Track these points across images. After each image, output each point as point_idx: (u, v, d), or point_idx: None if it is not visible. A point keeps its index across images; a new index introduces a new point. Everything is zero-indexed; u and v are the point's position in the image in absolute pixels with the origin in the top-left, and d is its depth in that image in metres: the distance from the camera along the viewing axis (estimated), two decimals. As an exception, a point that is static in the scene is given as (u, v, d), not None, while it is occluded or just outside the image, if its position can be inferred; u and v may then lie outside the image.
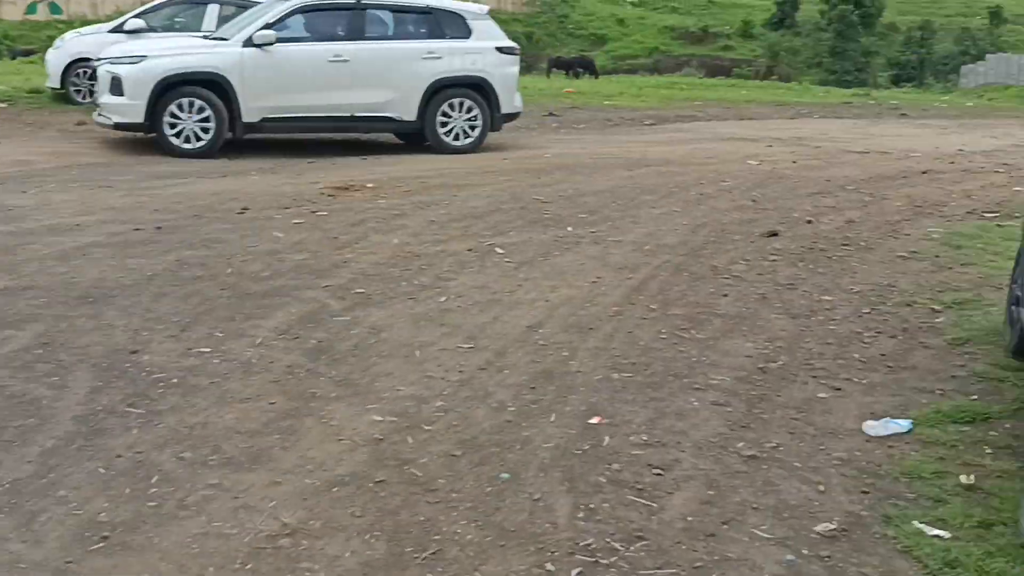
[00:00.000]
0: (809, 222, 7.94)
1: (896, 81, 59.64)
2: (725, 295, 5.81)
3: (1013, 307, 4.69)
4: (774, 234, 7.38)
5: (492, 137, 11.63)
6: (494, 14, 12.05)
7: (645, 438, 3.80)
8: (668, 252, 6.77)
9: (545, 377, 4.41)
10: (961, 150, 13.09)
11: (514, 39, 12.38)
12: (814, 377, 4.55)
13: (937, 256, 6.87)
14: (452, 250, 6.61)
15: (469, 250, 6.63)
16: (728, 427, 3.94)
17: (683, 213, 8.16)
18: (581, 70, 38.38)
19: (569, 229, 7.35)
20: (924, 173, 10.62)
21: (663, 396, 4.23)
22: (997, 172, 10.91)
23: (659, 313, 5.42)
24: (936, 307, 5.65)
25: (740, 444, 3.78)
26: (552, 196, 8.60)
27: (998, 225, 7.91)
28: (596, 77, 37.20)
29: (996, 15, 70.03)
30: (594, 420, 3.95)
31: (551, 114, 16.64)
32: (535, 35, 76.92)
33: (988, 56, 54.37)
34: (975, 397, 4.31)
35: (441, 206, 8.07)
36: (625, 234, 7.27)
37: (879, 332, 5.22)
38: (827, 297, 5.84)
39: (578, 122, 16.02)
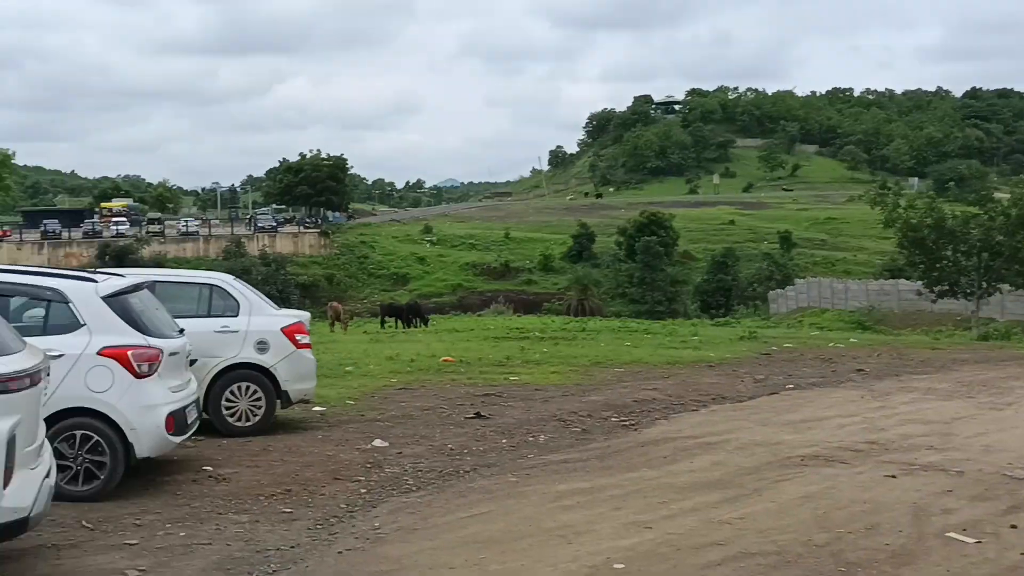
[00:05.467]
0: None
1: (705, 309, 58.98)
2: None
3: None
4: None
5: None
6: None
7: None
8: None
9: None
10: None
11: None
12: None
13: None
14: None
15: None
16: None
17: None
18: (414, 318, 33.83)
19: None
20: None
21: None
22: None
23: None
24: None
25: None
26: None
27: None
28: (427, 324, 32.84)
29: (786, 239, 72.19)
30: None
31: (478, 415, 11.28)
32: (336, 277, 72.30)
33: (797, 281, 54.51)
34: None
35: None
36: None
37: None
38: None
39: (532, 428, 10.72)
